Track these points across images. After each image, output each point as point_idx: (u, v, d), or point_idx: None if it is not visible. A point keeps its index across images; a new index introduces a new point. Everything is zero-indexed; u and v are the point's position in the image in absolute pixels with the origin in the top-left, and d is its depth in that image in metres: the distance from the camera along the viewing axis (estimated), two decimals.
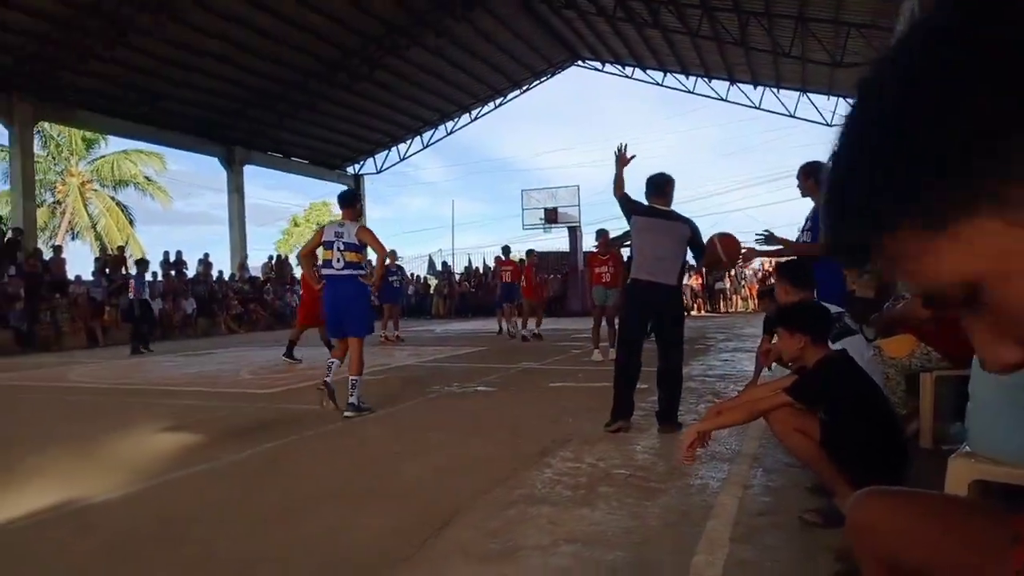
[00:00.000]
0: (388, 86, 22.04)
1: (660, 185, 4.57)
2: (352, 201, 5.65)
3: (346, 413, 5.12)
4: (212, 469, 3.79)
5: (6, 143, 22.46)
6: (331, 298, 5.36)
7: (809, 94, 21.59)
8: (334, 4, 17.27)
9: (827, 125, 22.09)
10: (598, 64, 24.05)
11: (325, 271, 5.41)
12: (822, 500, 2.80)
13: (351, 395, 5.20)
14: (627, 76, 23.90)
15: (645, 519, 2.74)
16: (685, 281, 21.42)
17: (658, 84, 23.65)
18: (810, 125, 22.30)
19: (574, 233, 22.03)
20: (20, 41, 15.28)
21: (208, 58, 17.66)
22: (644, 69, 23.25)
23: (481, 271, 26.34)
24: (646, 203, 4.58)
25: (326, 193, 42.57)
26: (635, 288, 4.45)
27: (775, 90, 21.90)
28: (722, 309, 22.14)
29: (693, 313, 20.35)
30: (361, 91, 21.73)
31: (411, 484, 3.40)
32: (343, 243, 5.25)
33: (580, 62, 24.31)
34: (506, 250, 13.76)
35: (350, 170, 27.90)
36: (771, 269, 23.03)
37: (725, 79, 22.18)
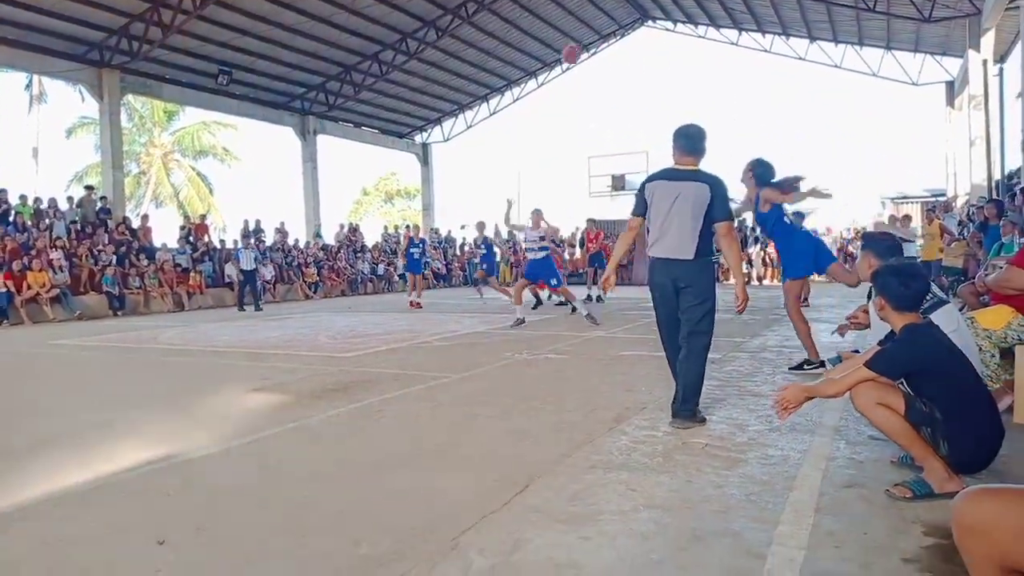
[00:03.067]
0: (456, 53, 22.06)
1: (685, 137, 3.81)
2: None
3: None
4: (302, 427, 3.98)
5: (93, 115, 23.68)
6: None
7: (893, 51, 20.44)
8: None
9: (913, 84, 20.92)
10: (669, 24, 23.36)
11: None
12: (909, 474, 2.74)
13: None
14: (700, 36, 23.16)
15: (725, 488, 2.74)
16: (755, 248, 20.89)
17: (733, 44, 22.84)
18: (893, 84, 21.15)
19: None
20: (109, 17, 15.95)
21: (284, 30, 18.03)
22: (718, 28, 22.45)
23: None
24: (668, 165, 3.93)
25: (394, 164, 43.21)
26: (650, 266, 3.89)
27: (857, 47, 20.80)
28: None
29: (765, 282, 19.82)
30: (430, 59, 21.83)
31: (490, 446, 3.49)
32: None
33: (650, 22, 23.65)
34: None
35: (418, 139, 28.15)
36: (853, 235, 22.19)
37: (804, 36, 21.20)
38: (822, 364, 5.02)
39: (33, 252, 13.59)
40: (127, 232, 16.52)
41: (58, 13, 15.05)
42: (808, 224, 25.67)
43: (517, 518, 2.49)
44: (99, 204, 17.00)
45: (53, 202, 16.39)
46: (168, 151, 30.65)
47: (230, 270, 16.31)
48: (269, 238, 20.02)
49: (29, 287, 12.91)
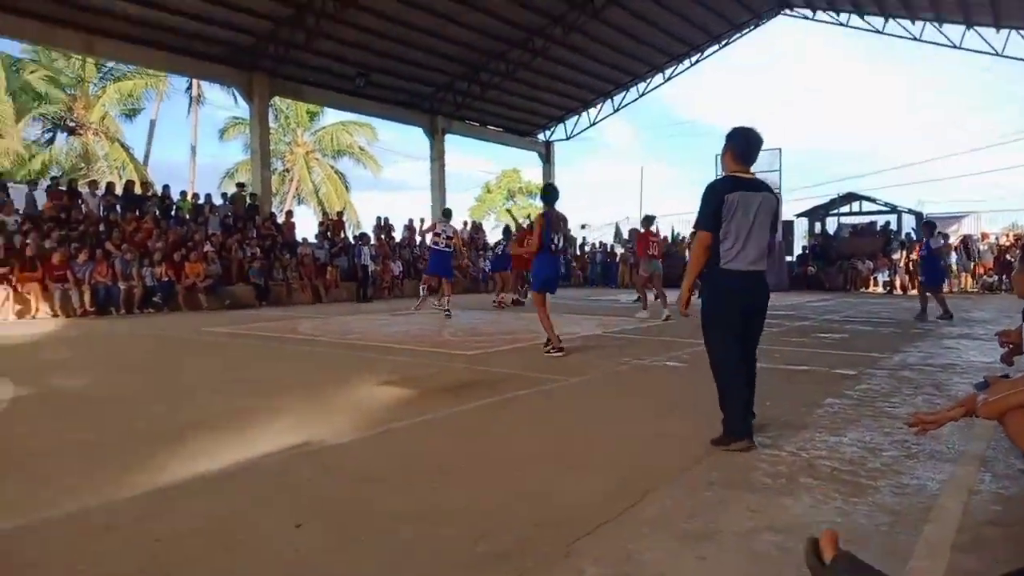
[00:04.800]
0: (581, 49, 22.03)
1: (748, 143, 3.70)
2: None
3: None
4: (431, 421, 4.20)
5: (244, 116, 25.71)
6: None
7: None
8: None
9: None
10: (808, 11, 22.15)
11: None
12: None
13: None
14: (842, 24, 21.79)
15: (853, 516, 2.63)
16: (900, 253, 19.43)
17: (878, 32, 21.31)
18: None
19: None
20: (260, 24, 17.25)
21: (416, 31, 18.76)
22: (862, 15, 21.04)
23: (670, 240, 25.81)
24: (723, 168, 3.79)
25: (517, 160, 43.84)
26: (729, 281, 3.59)
27: (1022, 32, 18.81)
28: (945, 288, 19.60)
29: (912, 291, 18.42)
30: (555, 56, 21.94)
31: (608, 453, 3.53)
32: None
33: (788, 10, 22.53)
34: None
35: (541, 136, 28.39)
36: (1012, 242, 20.12)
37: (960, 22, 19.43)
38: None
39: (190, 244, 14.99)
40: (272, 227, 17.83)
41: (215, 20, 16.44)
42: (966, 228, 23.46)
43: (633, 530, 2.52)
44: (249, 200, 18.44)
45: (209, 198, 17.97)
46: (310, 150, 32.72)
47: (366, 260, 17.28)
48: (399, 235, 20.92)
49: (187, 276, 14.25)
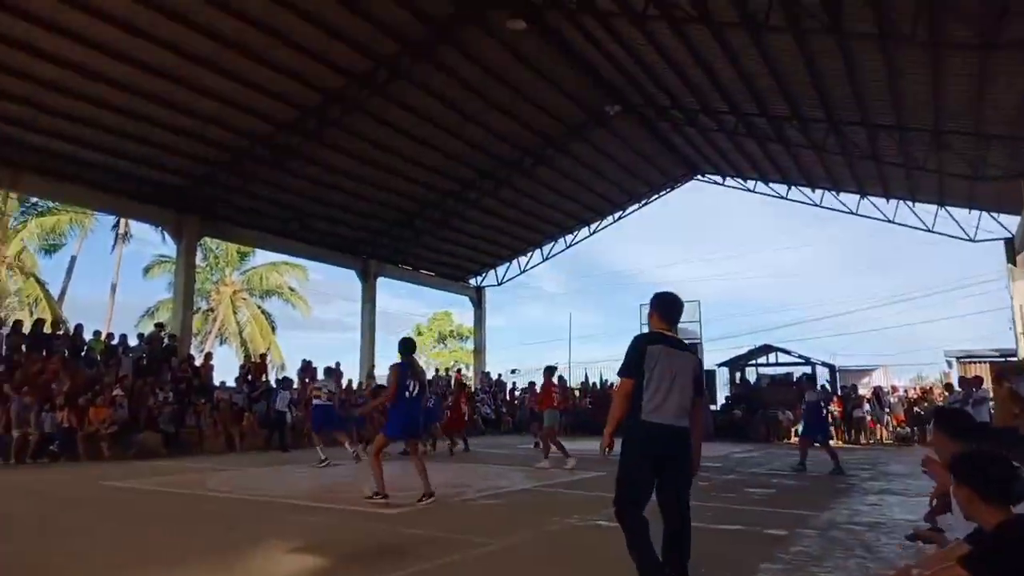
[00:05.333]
0: (513, 203, 23.14)
1: (672, 308, 3.99)
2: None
3: None
4: None
5: (171, 254, 25.30)
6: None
7: (947, 208, 20.46)
8: (474, 132, 18.67)
9: (970, 240, 20.72)
10: (719, 177, 24.11)
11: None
12: None
13: None
14: (749, 190, 23.74)
15: None
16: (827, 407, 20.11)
17: (782, 197, 23.27)
18: (950, 241, 20.99)
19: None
20: (195, 167, 17.41)
21: (354, 180, 19.36)
22: (767, 183, 23.02)
23: (598, 386, 26.13)
24: (649, 329, 3.98)
25: (448, 303, 44.26)
26: (646, 432, 3.63)
27: (910, 203, 20.93)
28: (862, 440, 20.22)
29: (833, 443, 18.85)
30: (487, 207, 22.93)
31: None
32: None
33: (700, 176, 24.47)
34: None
35: (472, 282, 28.96)
36: (919, 394, 21.16)
37: (854, 192, 21.50)
38: None
39: (98, 388, 14.07)
40: (189, 370, 17.03)
41: (149, 161, 16.51)
42: (876, 380, 24.43)
43: None
44: (167, 341, 17.70)
45: (124, 338, 17.17)
46: (237, 289, 32.20)
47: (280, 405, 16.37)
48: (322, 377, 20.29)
49: (91, 423, 13.24)
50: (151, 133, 15.61)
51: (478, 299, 29.13)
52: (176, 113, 15.24)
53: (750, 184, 23.54)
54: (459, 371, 33.00)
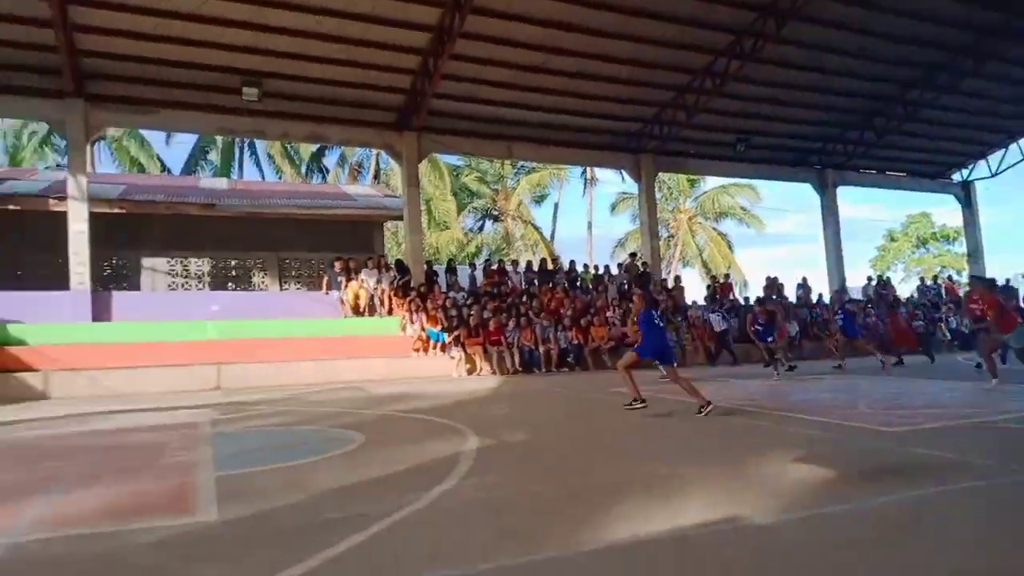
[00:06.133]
0: (1004, 75, 18.79)
1: None
2: None
3: None
4: (856, 513, 3.82)
5: (631, 191, 27.71)
6: None
7: None
8: (925, 4, 15.87)
9: None
10: None
11: None
12: None
13: None
14: None
15: None
16: None
17: None
18: None
19: None
20: (644, 112, 18.76)
21: (798, 90, 18.30)
22: None
23: None
24: None
25: (925, 203, 38.51)
26: None
27: None
28: None
29: None
30: (971, 89, 19.11)
31: None
32: None
33: None
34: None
35: (956, 177, 24.64)
36: None
37: None
38: None
39: (593, 311, 16.55)
40: (664, 292, 18.70)
41: (607, 116, 18.41)
42: None
43: None
44: (640, 268, 19.71)
45: (607, 269, 19.74)
46: (692, 215, 33.64)
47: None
48: (790, 294, 20.09)
49: (592, 339, 15.74)
50: (604, 90, 17.39)
51: (966, 196, 24.72)
52: (621, 66, 16.62)
53: None
54: (948, 279, 28.74)
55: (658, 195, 32.00)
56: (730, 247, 33.22)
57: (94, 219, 15.14)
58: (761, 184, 31.20)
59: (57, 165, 26.47)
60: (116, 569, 3.14)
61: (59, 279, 15.32)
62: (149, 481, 5.08)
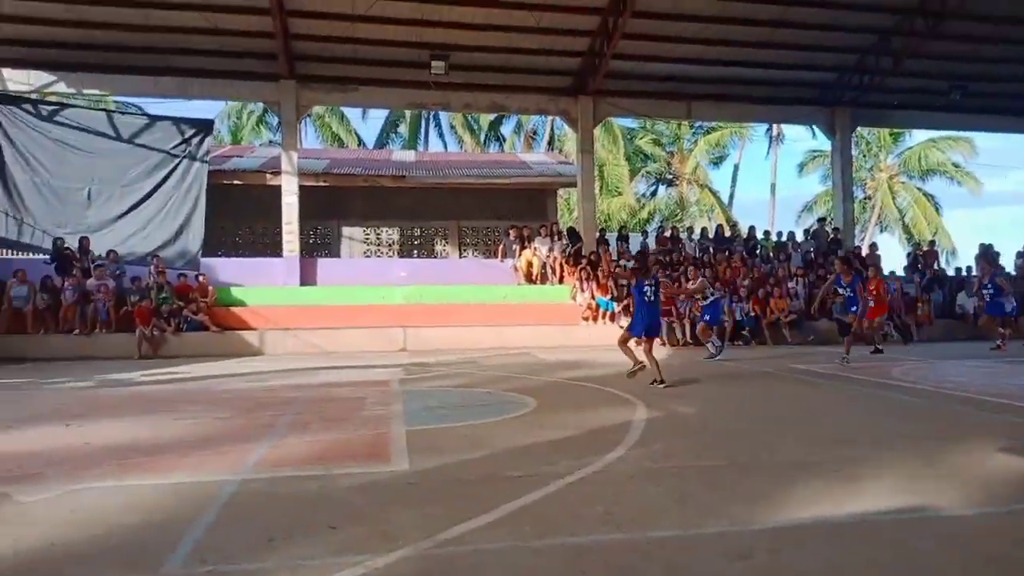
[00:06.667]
0: None
1: None
2: None
3: None
4: None
5: (822, 148, 25.66)
6: None
7: None
8: None
9: None
10: None
11: None
12: None
13: None
14: None
15: None
16: None
17: None
18: None
19: None
20: (843, 59, 17.19)
21: None
22: None
23: None
24: None
25: None
26: None
27: None
28: None
29: None
30: None
31: None
32: None
33: None
34: None
35: None
36: None
37: None
38: None
39: (772, 281, 15.73)
40: (856, 260, 17.29)
41: (799, 65, 17.10)
42: None
43: None
44: (831, 235, 18.35)
45: (791, 235, 18.57)
46: (893, 174, 30.51)
47: (961, 300, 15.29)
48: (1008, 263, 17.77)
49: (772, 312, 15.01)
50: (796, 37, 16.12)
51: None
52: (813, 8, 15.33)
53: None
54: None
55: (854, 152, 29.42)
56: (937, 210, 29.75)
57: (302, 191, 16.85)
58: (979, 137, 27.56)
59: (270, 142, 29.57)
60: (327, 508, 3.65)
61: (273, 248, 17.26)
62: (350, 431, 5.76)
